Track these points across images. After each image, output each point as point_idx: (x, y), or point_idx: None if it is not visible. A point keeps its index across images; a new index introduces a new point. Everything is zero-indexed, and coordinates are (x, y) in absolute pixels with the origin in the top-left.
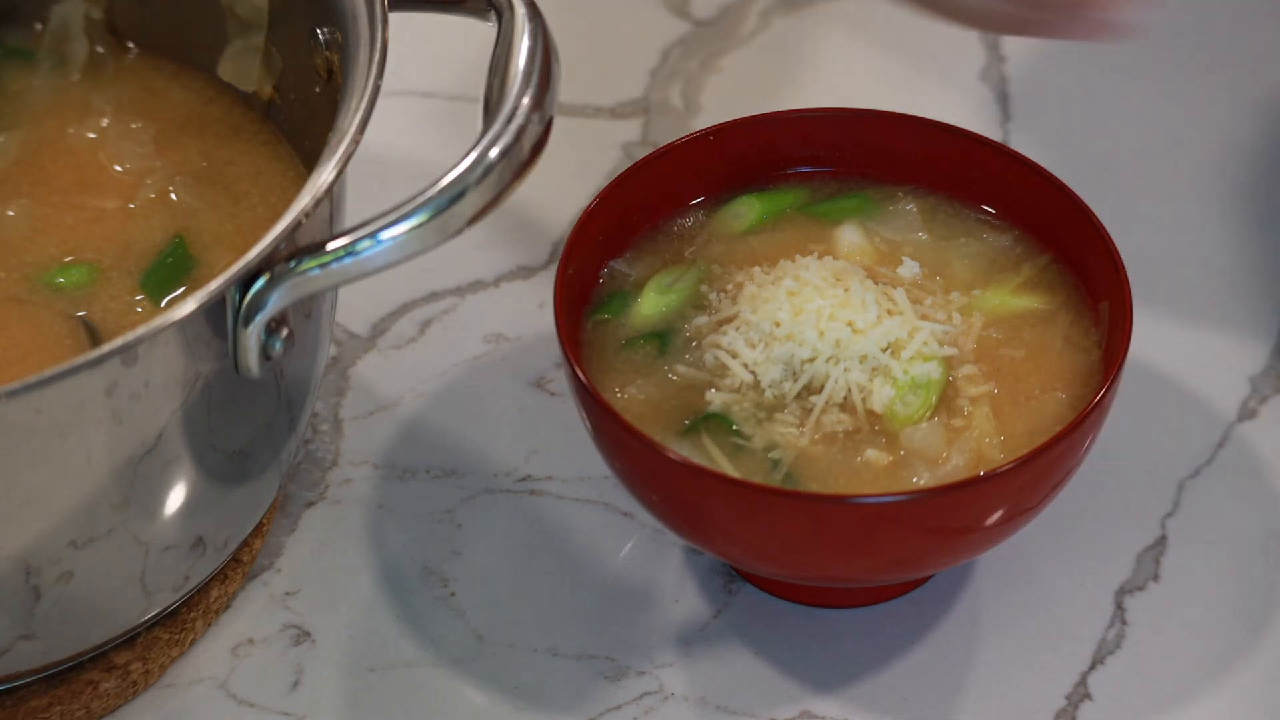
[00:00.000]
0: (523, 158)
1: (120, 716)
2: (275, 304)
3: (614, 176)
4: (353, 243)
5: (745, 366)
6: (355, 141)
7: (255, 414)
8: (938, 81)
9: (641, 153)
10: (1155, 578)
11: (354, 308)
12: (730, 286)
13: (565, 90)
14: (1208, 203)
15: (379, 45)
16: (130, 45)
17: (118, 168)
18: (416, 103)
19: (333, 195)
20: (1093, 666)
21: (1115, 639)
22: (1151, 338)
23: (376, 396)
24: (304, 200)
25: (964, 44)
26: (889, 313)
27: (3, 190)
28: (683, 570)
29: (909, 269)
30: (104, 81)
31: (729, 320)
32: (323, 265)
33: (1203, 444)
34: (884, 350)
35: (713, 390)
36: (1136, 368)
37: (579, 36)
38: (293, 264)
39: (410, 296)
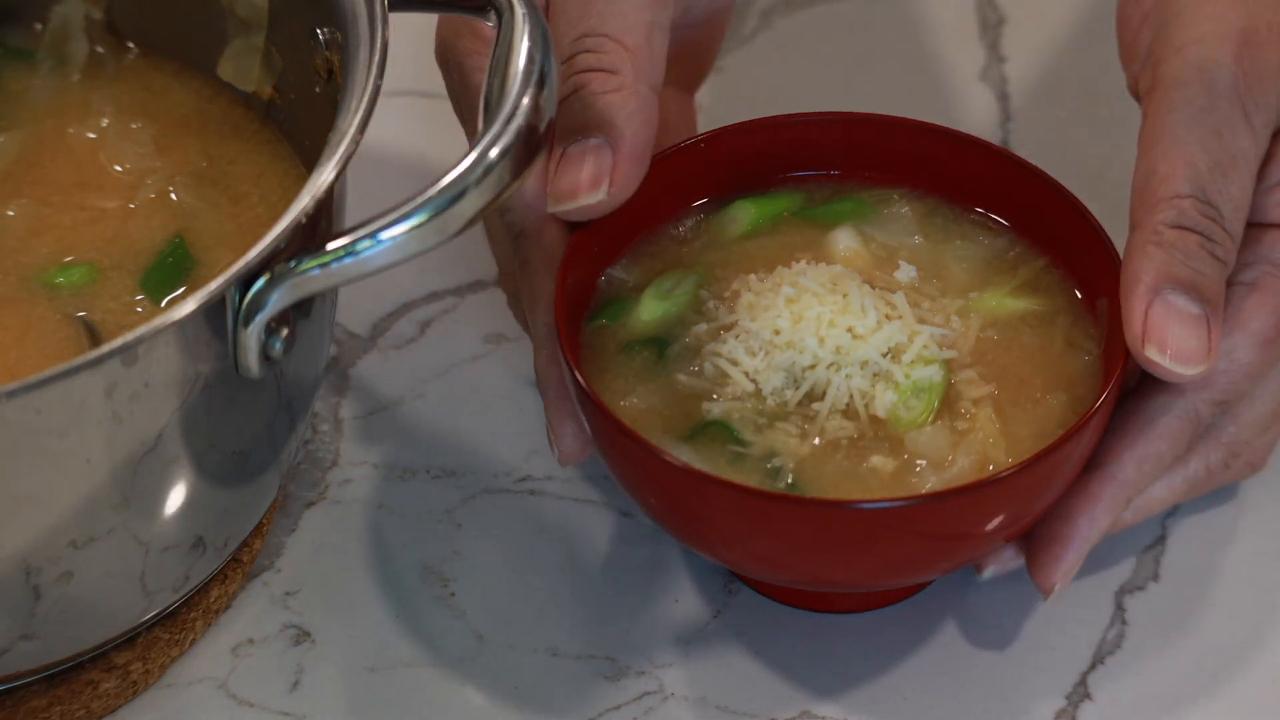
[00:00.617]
0: (523, 158)
1: (120, 716)
2: (275, 304)
3: None
4: (353, 243)
5: (746, 375)
6: (355, 141)
7: (255, 414)
8: (937, 81)
9: None
10: (1155, 578)
11: (354, 308)
12: (728, 293)
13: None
14: None
15: (379, 45)
16: (130, 45)
17: (118, 168)
18: (416, 103)
19: (333, 195)
20: (1093, 666)
21: (1115, 639)
22: None
23: (376, 396)
24: (304, 200)
25: (964, 44)
26: (887, 317)
27: (3, 190)
28: (682, 570)
29: (905, 273)
30: (104, 81)
31: (728, 328)
32: (323, 265)
33: None
34: (885, 355)
35: (713, 398)
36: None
37: None
38: (293, 264)
39: (410, 296)
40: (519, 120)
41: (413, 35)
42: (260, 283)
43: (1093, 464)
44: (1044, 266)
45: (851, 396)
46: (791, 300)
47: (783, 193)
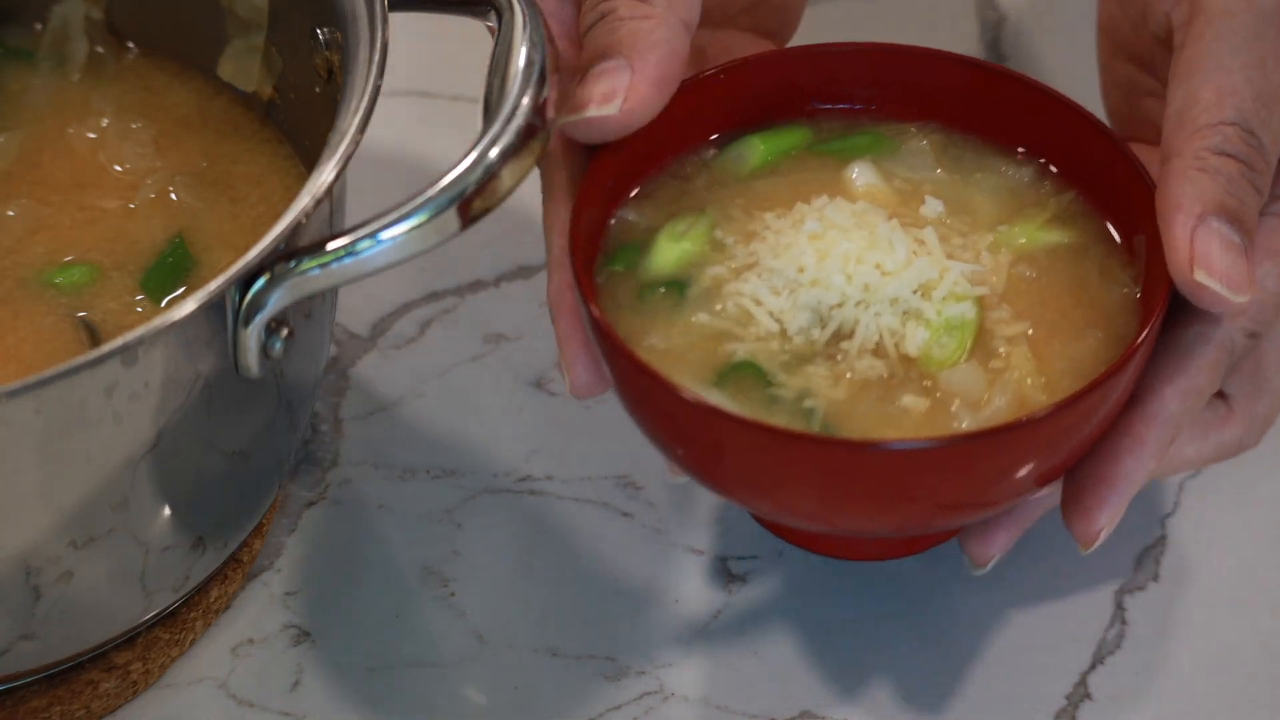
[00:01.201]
0: (523, 158)
1: (120, 716)
2: (275, 304)
3: None
4: (353, 243)
5: (771, 315)
6: (355, 141)
7: (255, 414)
8: None
9: None
10: (1155, 578)
11: (354, 308)
12: (744, 233)
13: None
14: None
15: (379, 45)
16: (130, 45)
17: (118, 168)
18: (416, 103)
19: (333, 195)
20: (1093, 666)
21: (1115, 639)
22: None
23: (376, 396)
24: (304, 200)
25: (964, 43)
26: (915, 254)
27: (3, 190)
28: (683, 570)
29: (932, 208)
30: (104, 81)
31: (749, 267)
32: (323, 265)
33: None
34: (915, 292)
35: (738, 340)
36: None
37: None
38: (293, 264)
39: (410, 296)
40: (519, 120)
41: (413, 35)
42: (260, 283)
43: (1133, 402)
44: (1073, 199)
45: (881, 335)
46: (816, 236)
47: (793, 127)
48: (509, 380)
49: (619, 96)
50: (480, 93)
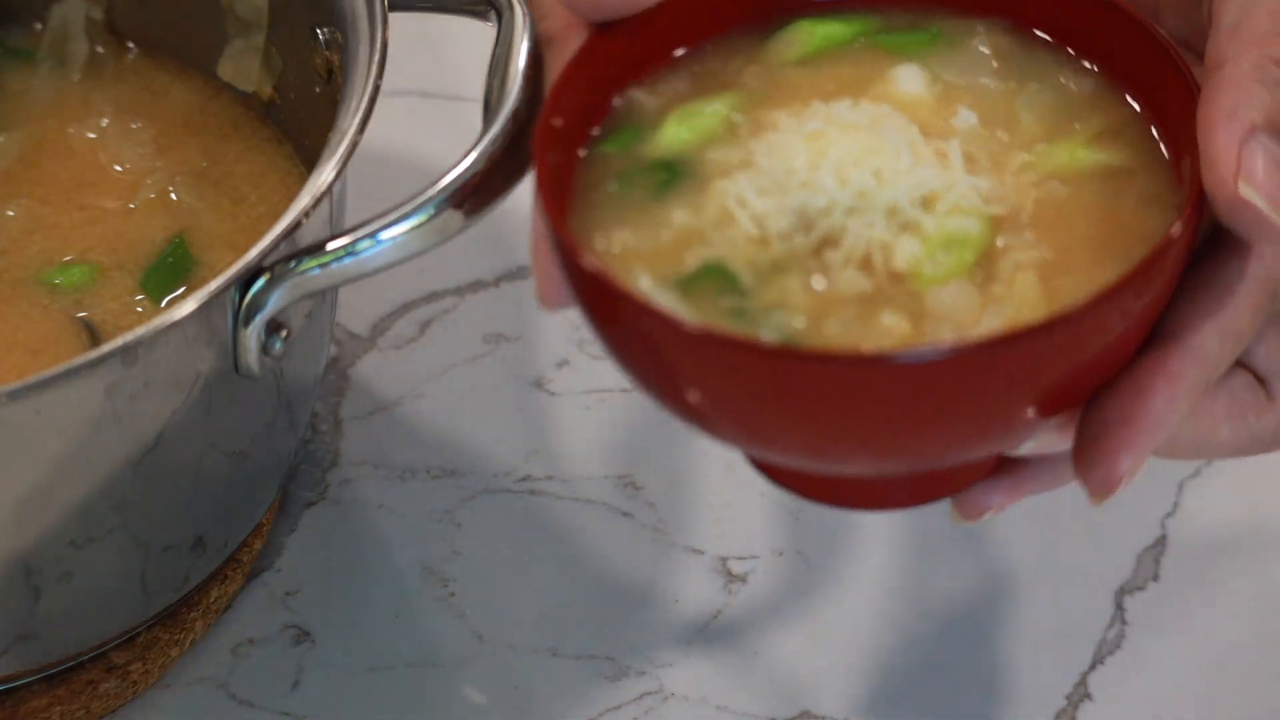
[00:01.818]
0: (523, 158)
1: (120, 716)
2: (275, 304)
3: None
4: (353, 243)
5: (752, 218)
6: (355, 141)
7: (255, 414)
8: None
9: None
10: (1155, 578)
11: (354, 308)
12: (759, 126)
13: None
14: None
15: (379, 45)
16: (130, 45)
17: (118, 168)
18: (416, 103)
19: (333, 195)
20: (1093, 666)
21: (1115, 639)
22: None
23: (376, 396)
24: (304, 200)
25: None
26: (921, 163)
27: (3, 190)
28: (682, 570)
29: (965, 119)
30: (104, 81)
31: (744, 165)
32: (323, 265)
33: None
34: (917, 206)
35: (712, 244)
36: None
37: None
38: (293, 264)
39: (410, 296)
40: (519, 120)
41: (413, 35)
42: (260, 283)
43: (1166, 338)
44: (1129, 117)
45: (870, 248)
46: (816, 136)
47: (853, 16)
48: (509, 380)
49: None
50: (480, 93)
